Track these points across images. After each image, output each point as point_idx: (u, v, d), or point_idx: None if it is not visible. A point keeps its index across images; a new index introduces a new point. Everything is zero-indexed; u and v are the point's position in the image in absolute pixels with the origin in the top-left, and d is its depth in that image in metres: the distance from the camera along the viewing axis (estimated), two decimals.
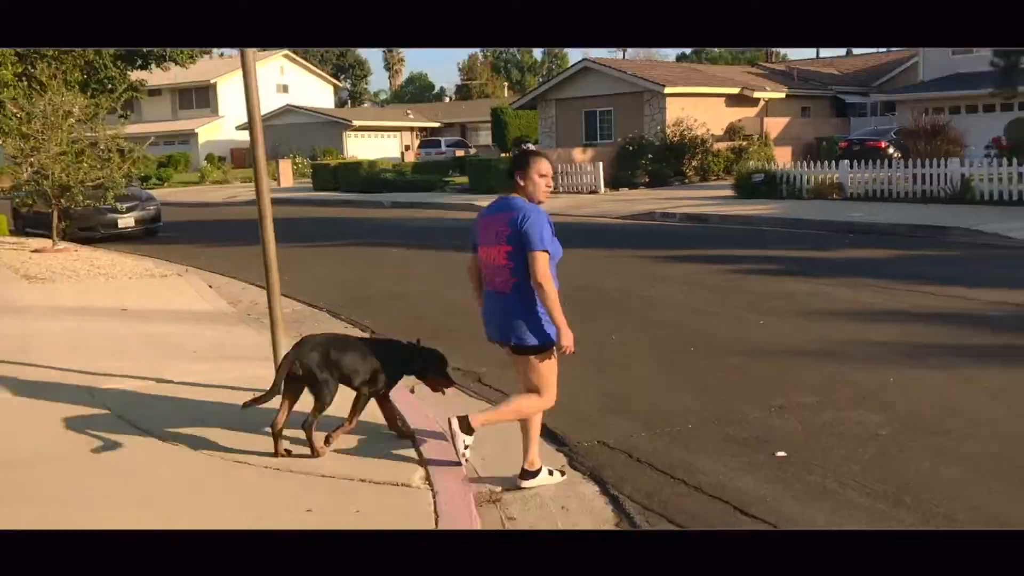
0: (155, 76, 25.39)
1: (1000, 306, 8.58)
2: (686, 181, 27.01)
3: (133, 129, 21.89)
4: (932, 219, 15.44)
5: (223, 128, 53.35)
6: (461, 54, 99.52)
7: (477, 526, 4.07)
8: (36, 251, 14.83)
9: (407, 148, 51.99)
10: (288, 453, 4.86)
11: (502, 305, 4.44)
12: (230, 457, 4.90)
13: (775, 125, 31.59)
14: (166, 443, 5.14)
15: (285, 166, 38.72)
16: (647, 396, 6.16)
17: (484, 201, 23.25)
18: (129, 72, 22.01)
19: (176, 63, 22.97)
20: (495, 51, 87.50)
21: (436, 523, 4.03)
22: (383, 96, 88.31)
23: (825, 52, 52.44)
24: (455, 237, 16.24)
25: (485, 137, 50.52)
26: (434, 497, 4.32)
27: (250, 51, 5.88)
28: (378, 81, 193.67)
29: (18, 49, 17.69)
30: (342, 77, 78.24)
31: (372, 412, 5.25)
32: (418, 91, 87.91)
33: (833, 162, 20.99)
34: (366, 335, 5.41)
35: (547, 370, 4.47)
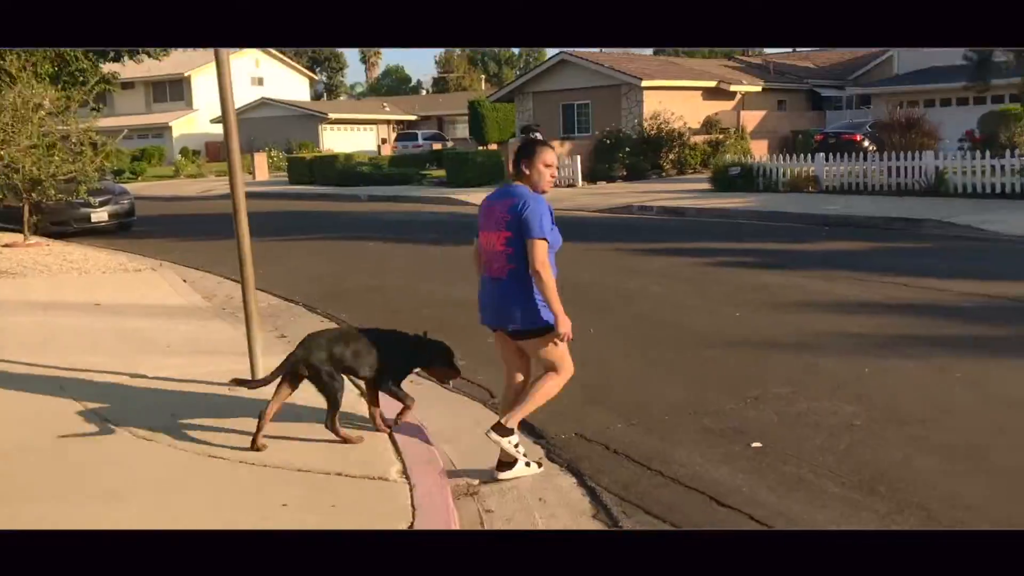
0: (128, 69, 25.14)
1: (973, 297, 8.67)
2: (663, 174, 27.08)
3: (106, 122, 21.55)
4: (906, 211, 15.55)
5: (197, 121, 52.89)
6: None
7: (455, 519, 4.05)
8: (7, 246, 14.63)
9: (384, 141, 51.80)
10: (263, 448, 4.80)
11: (499, 291, 4.47)
12: (204, 451, 4.85)
13: (751, 118, 31.77)
14: (138, 438, 5.07)
15: (260, 159, 38.50)
16: (624, 388, 6.17)
17: (461, 194, 23.37)
18: (101, 64, 21.73)
19: (149, 55, 22.75)
20: None
21: (413, 516, 4.01)
22: (359, 89, 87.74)
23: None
24: (432, 231, 16.20)
25: (462, 130, 50.39)
26: (411, 491, 4.29)
27: (224, 49, 5.81)
28: (354, 74, 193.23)
29: None
30: (317, 70, 77.72)
31: (349, 404, 5.22)
32: (395, 84, 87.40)
33: (809, 155, 21.10)
34: (372, 327, 5.37)
35: (556, 347, 4.47)
